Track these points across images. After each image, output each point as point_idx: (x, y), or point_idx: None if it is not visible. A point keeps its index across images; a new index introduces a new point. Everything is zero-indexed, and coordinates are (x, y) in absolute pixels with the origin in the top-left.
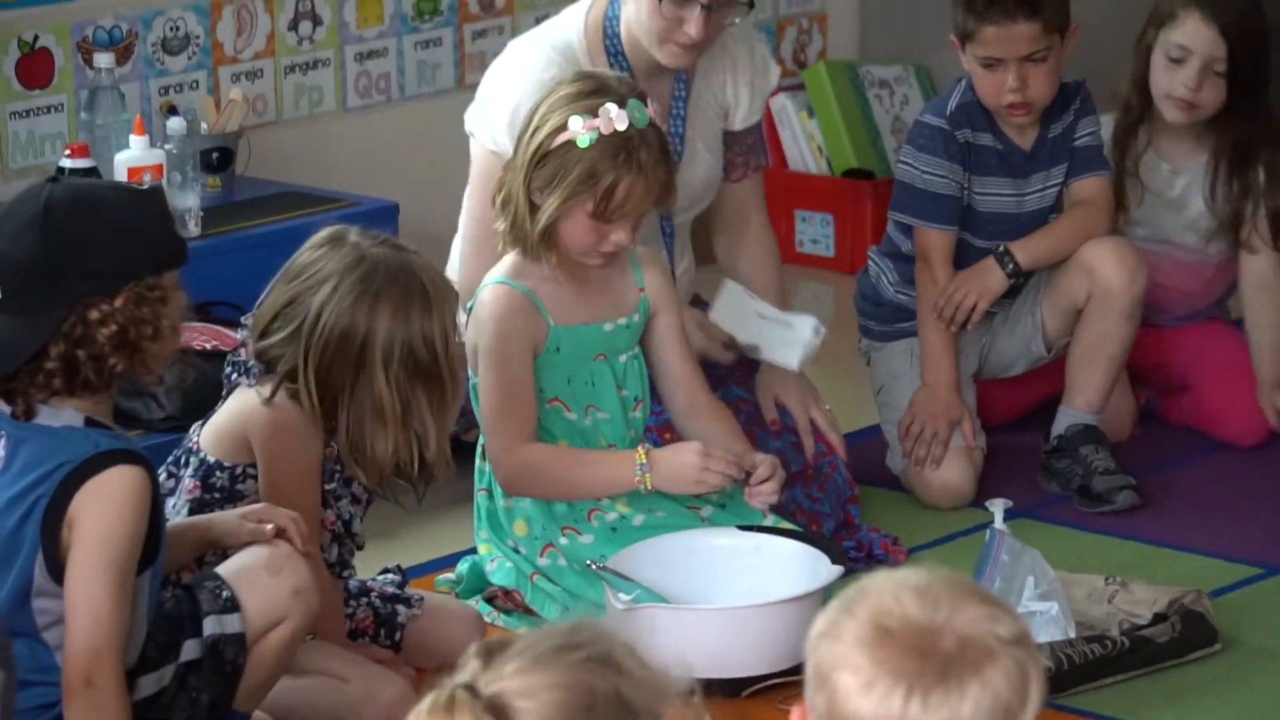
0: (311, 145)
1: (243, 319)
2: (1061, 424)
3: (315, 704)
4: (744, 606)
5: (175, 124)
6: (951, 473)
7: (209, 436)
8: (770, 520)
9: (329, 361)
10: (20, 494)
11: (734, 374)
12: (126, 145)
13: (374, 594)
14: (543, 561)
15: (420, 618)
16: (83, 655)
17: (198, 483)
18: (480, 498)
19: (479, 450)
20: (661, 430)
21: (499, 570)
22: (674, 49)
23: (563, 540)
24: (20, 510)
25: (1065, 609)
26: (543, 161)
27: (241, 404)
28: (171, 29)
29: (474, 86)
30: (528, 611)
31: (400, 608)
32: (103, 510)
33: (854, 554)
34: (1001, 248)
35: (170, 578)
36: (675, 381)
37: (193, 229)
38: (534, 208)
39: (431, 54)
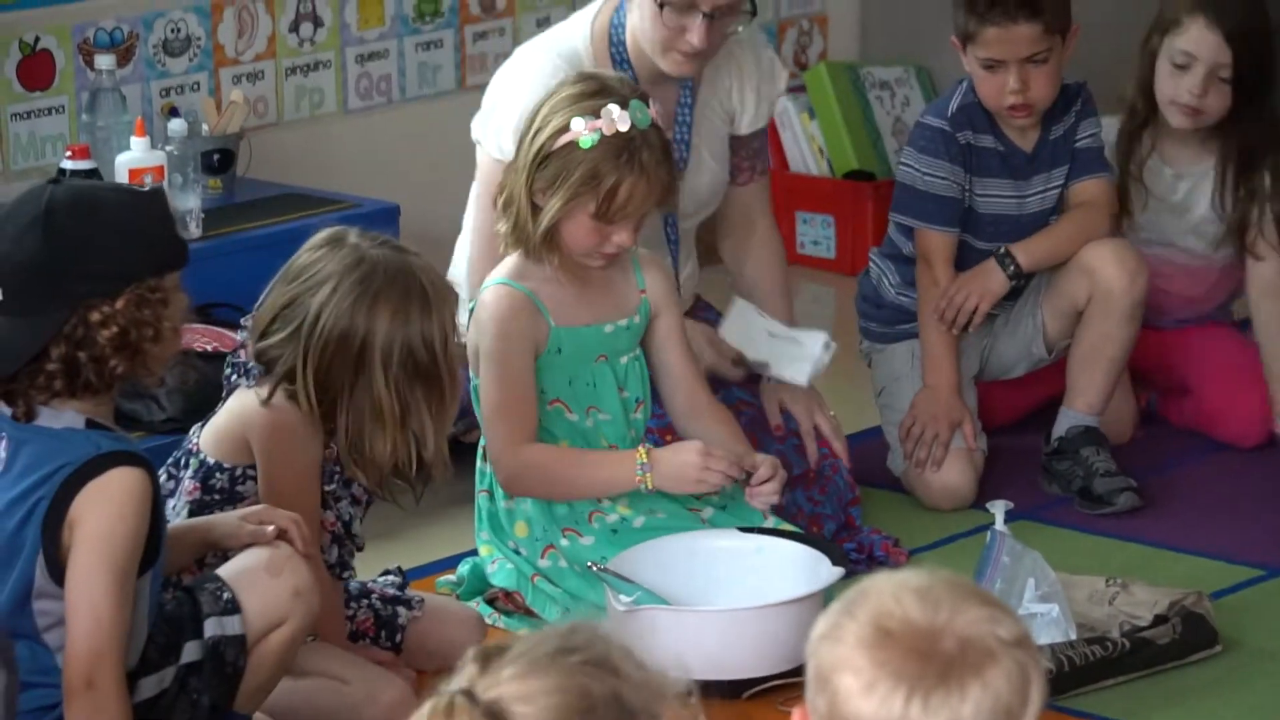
0: (312, 147)
1: (242, 320)
2: (1062, 426)
3: (316, 705)
4: (745, 608)
5: (176, 126)
6: (952, 474)
7: (208, 438)
8: (771, 522)
9: (328, 362)
10: (21, 495)
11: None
12: (127, 147)
13: (375, 596)
14: (544, 563)
15: (421, 619)
16: (83, 657)
17: (197, 484)
18: (481, 499)
19: (480, 452)
20: (663, 432)
21: (500, 572)
22: (677, 57)
23: (564, 542)
24: (21, 512)
25: (1066, 611)
26: (545, 163)
27: (240, 405)
28: (172, 31)
29: (475, 88)
30: (528, 613)
31: (401, 609)
32: (103, 512)
33: (855, 556)
34: (1002, 249)
35: (171, 579)
36: (676, 383)
37: (194, 230)
38: (536, 209)
39: (432, 55)
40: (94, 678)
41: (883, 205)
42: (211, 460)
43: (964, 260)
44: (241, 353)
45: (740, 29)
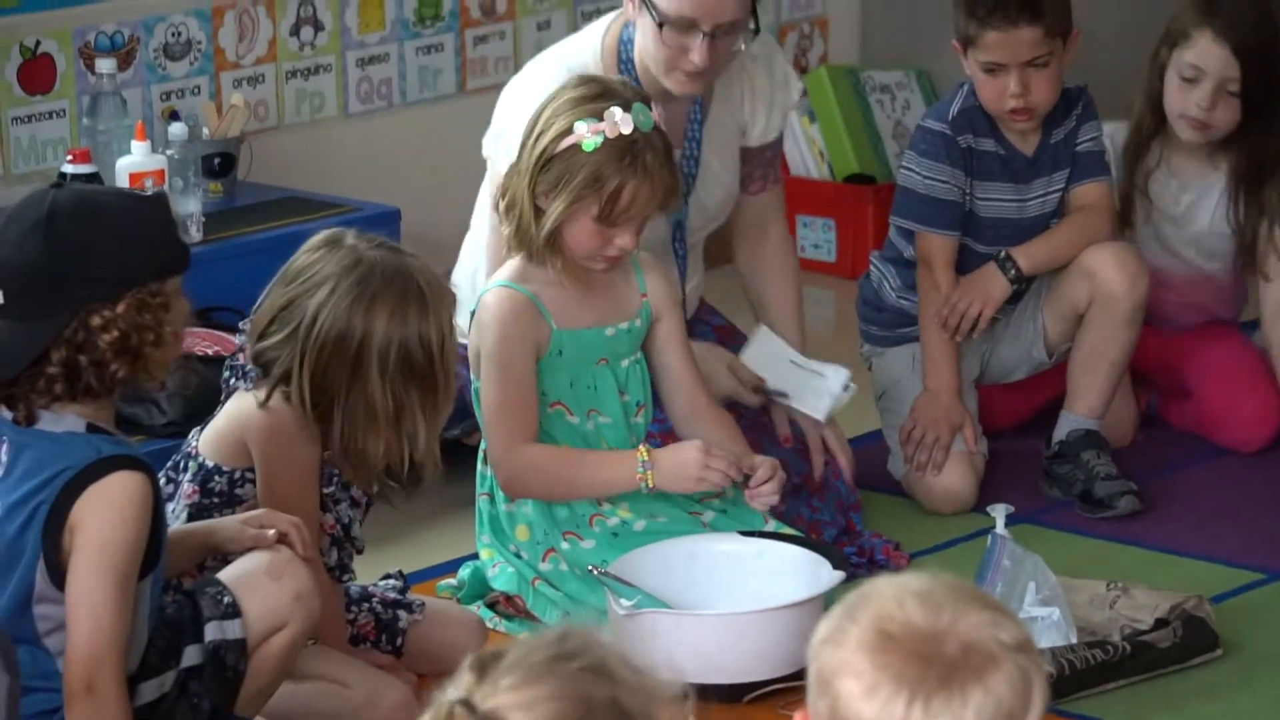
0: (313, 151)
1: (240, 323)
2: (1063, 429)
3: (317, 709)
4: (746, 612)
5: (177, 129)
6: (953, 478)
7: (207, 441)
8: (772, 526)
9: (325, 364)
10: (22, 500)
11: None
12: (128, 151)
13: (375, 599)
14: (544, 566)
15: (421, 623)
16: (84, 661)
17: (196, 487)
18: (482, 502)
19: (480, 455)
20: (664, 437)
21: (500, 575)
22: (680, 77)
23: (564, 545)
24: (22, 516)
25: (1067, 614)
26: (548, 165)
27: (239, 408)
28: (173, 34)
29: (476, 92)
30: (529, 617)
31: (402, 613)
32: (104, 516)
33: (856, 559)
34: (1003, 253)
35: (171, 583)
36: (676, 386)
37: (194, 234)
38: (539, 212)
39: (433, 59)
40: (94, 682)
41: (883, 209)
42: (210, 463)
43: (964, 264)
44: (240, 356)
45: (743, 46)
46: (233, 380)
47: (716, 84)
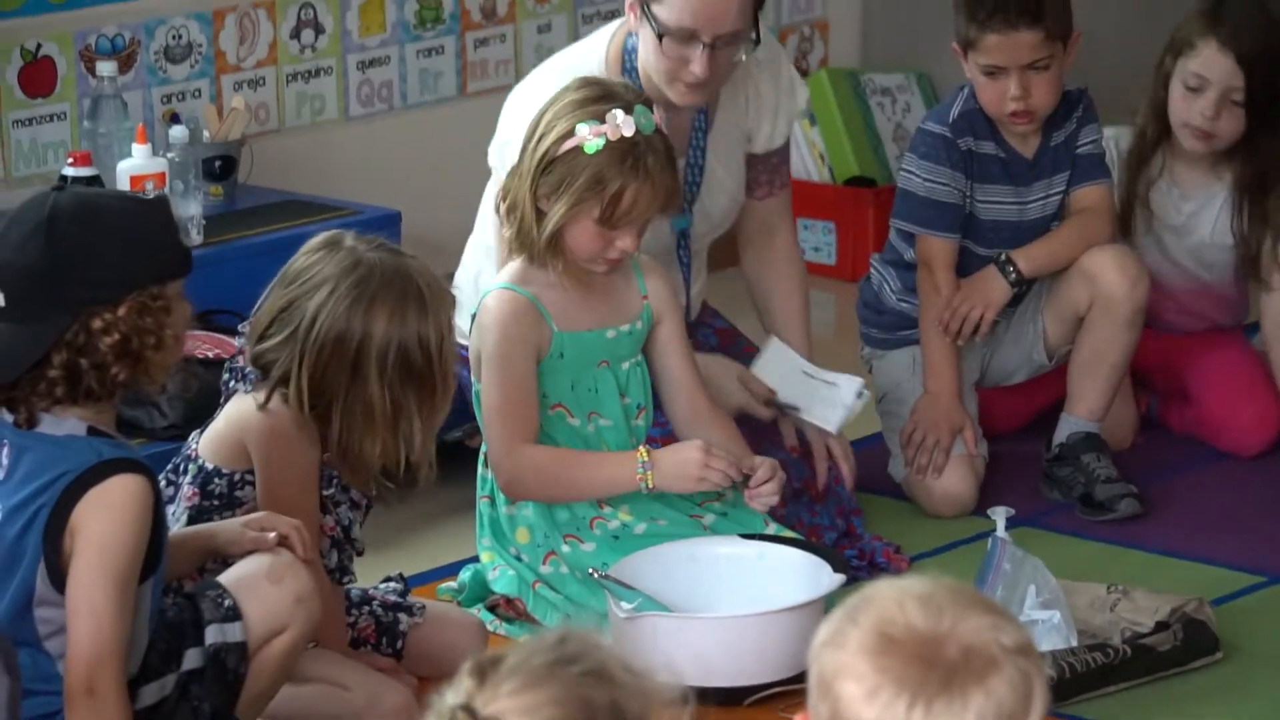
0: (314, 153)
1: (240, 326)
2: (1063, 432)
3: (317, 712)
4: (746, 615)
5: (178, 132)
6: (953, 481)
7: (207, 443)
8: (773, 529)
9: (324, 365)
10: (22, 503)
11: None
12: (129, 153)
13: (376, 602)
14: (545, 569)
15: (422, 626)
16: (84, 664)
17: (196, 490)
18: (482, 505)
19: (481, 458)
20: (665, 441)
21: (501, 578)
22: (681, 88)
23: (565, 548)
24: (22, 519)
25: (1067, 617)
26: (549, 168)
27: (238, 410)
28: (174, 37)
29: (476, 95)
30: (530, 619)
31: (402, 616)
32: (105, 519)
33: (856, 562)
34: (1003, 256)
35: (171, 586)
36: (677, 388)
37: (195, 237)
38: (540, 214)
39: (434, 62)
40: (95, 684)
41: (884, 211)
42: (210, 466)
43: (965, 266)
44: (240, 358)
45: (744, 57)
46: (232, 382)
47: (721, 91)
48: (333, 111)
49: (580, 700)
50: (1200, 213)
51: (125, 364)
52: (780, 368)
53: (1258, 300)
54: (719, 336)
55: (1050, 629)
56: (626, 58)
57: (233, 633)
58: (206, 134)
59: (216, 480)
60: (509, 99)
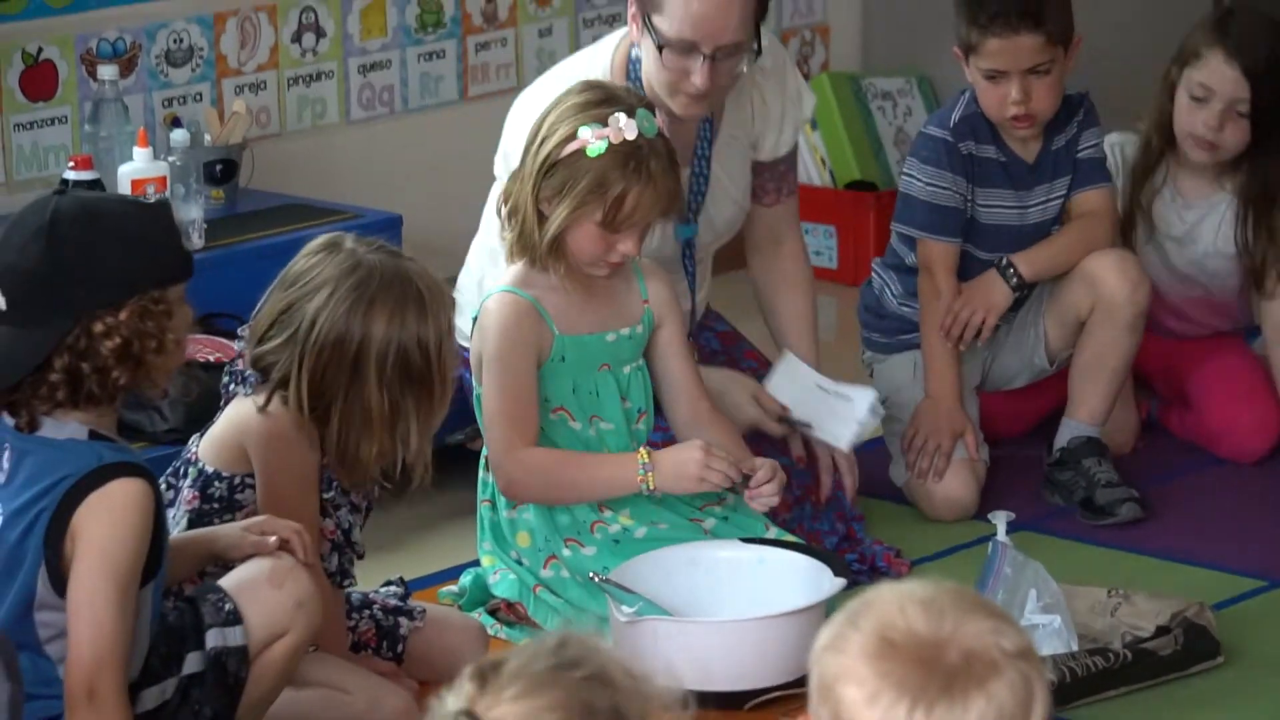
0: (315, 157)
1: (240, 329)
2: (1064, 436)
3: (317, 716)
4: (747, 619)
5: (179, 136)
6: (954, 485)
7: (207, 447)
8: (773, 533)
9: (323, 367)
10: (23, 507)
11: None
12: (130, 157)
13: (376, 606)
14: (545, 573)
15: (422, 630)
16: (85, 667)
17: (196, 493)
18: (483, 509)
19: (482, 462)
20: (667, 445)
21: (502, 582)
22: (683, 100)
23: (566, 552)
24: (23, 523)
25: (1068, 621)
26: (551, 171)
27: (238, 413)
28: (175, 41)
29: (477, 99)
30: (530, 624)
31: (403, 620)
32: (105, 523)
33: (857, 566)
34: (1004, 260)
35: (172, 590)
36: (678, 392)
37: (196, 241)
38: (542, 217)
39: (435, 66)
40: (96, 688)
41: (885, 215)
42: (210, 469)
43: (966, 270)
44: (239, 361)
45: (745, 68)
46: (232, 385)
47: (726, 100)
48: (334, 115)
49: (581, 704)
50: (1202, 222)
51: (126, 368)
52: (794, 383)
53: (1258, 306)
54: (720, 339)
55: (1051, 633)
56: (631, 67)
57: (233, 637)
58: (208, 138)
59: (217, 484)
60: (513, 107)
